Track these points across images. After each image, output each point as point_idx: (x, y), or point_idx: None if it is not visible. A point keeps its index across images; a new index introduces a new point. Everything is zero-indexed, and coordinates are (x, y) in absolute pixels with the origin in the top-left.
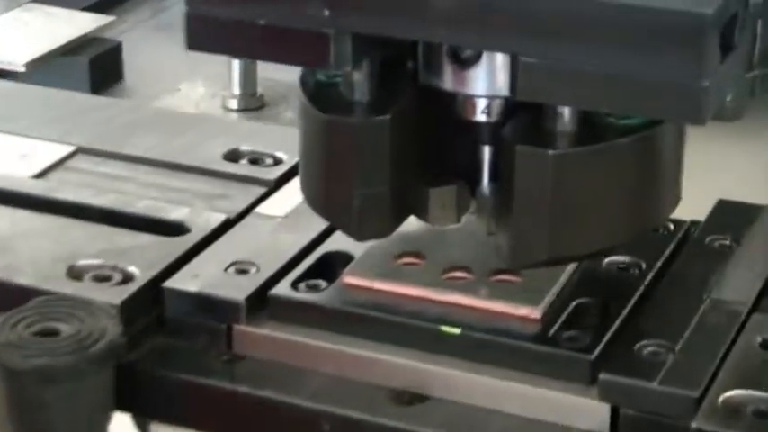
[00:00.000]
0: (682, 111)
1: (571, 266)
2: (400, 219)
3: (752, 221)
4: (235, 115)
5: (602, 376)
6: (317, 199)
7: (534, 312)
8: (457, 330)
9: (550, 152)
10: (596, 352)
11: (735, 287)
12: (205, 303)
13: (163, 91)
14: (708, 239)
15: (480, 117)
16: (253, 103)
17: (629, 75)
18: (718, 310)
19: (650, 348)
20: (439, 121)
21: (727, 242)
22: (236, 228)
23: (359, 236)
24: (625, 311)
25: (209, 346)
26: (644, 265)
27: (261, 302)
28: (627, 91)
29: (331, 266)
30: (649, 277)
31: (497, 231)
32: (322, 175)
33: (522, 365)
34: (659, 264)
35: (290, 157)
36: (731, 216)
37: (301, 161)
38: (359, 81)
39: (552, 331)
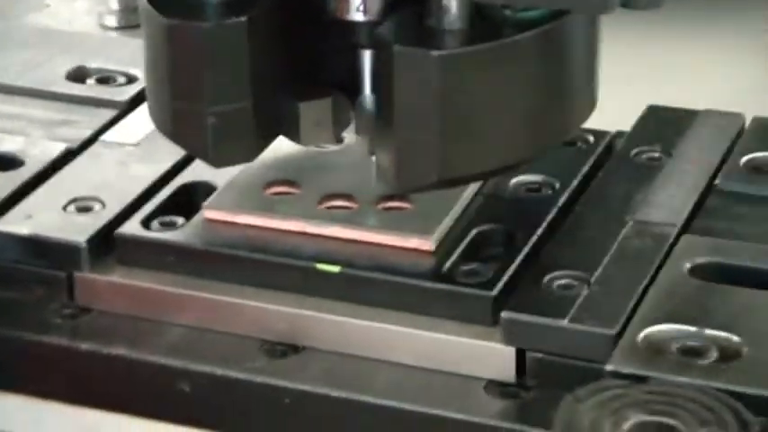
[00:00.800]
0: None
1: (471, 189)
2: (266, 141)
3: (684, 129)
4: (113, 34)
5: (505, 315)
6: (166, 120)
7: (426, 243)
8: (336, 268)
9: (434, 53)
10: (498, 287)
11: (662, 206)
12: (40, 248)
13: (29, 8)
14: (634, 152)
15: (356, 15)
16: (134, 20)
17: None
18: (642, 234)
19: (561, 281)
20: (308, 22)
21: (657, 154)
22: (79, 159)
23: (215, 161)
24: (533, 239)
25: (47, 298)
26: (557, 185)
27: (107, 245)
28: None
29: (190, 200)
30: (563, 199)
31: (380, 150)
32: (170, 92)
33: (413, 306)
34: (575, 183)
35: None
36: (662, 124)
37: (147, 77)
38: None
39: (448, 265)
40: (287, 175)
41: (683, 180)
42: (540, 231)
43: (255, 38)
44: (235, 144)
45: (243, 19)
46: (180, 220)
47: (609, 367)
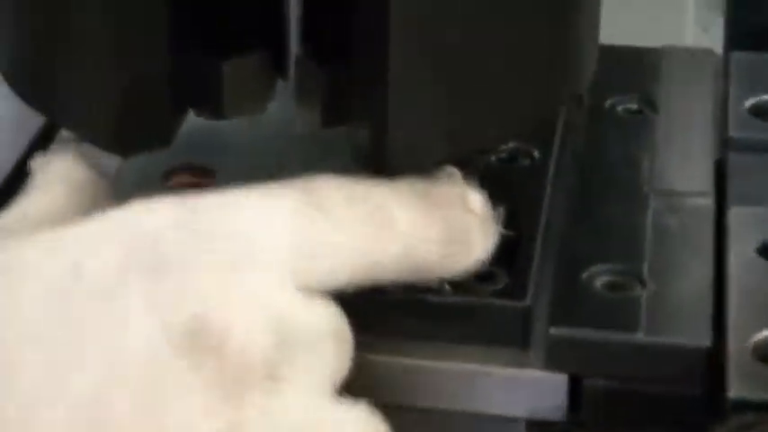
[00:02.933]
0: None
1: None
2: (180, 118)
3: (654, 71)
4: None
5: (555, 332)
6: (41, 89)
7: None
8: None
9: None
10: (530, 294)
11: (681, 170)
12: None
13: None
14: (608, 104)
15: None
16: None
17: None
18: (674, 209)
19: (604, 279)
20: None
21: (635, 105)
22: None
23: (124, 147)
24: (542, 224)
25: None
26: (536, 153)
27: None
28: None
29: None
30: (552, 169)
31: (354, 122)
32: (51, 50)
33: (413, 330)
34: (556, 148)
35: None
36: (623, 66)
37: (9, 37)
38: None
39: None
40: (195, 159)
41: (686, 136)
42: (545, 212)
43: None
44: (148, 122)
45: None
46: None
47: (732, 395)
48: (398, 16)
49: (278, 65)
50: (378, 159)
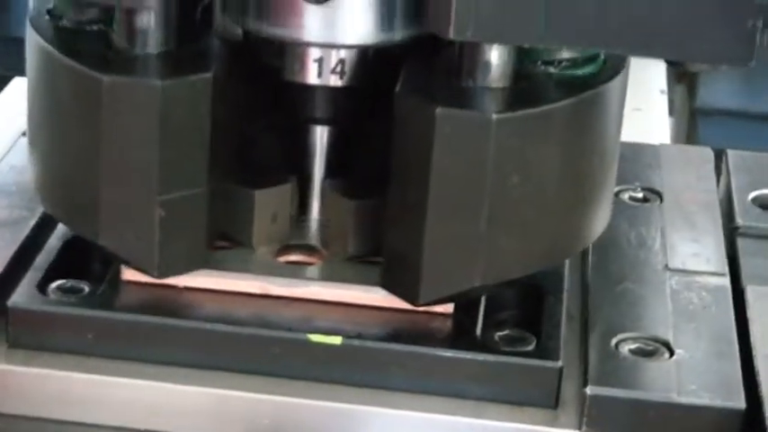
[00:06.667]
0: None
1: None
2: (211, 243)
3: (653, 165)
4: None
5: (591, 391)
6: (80, 213)
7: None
8: (336, 339)
9: (494, 116)
10: (561, 355)
11: (694, 253)
12: None
13: None
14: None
15: (328, 80)
16: None
17: None
18: (692, 286)
19: (632, 346)
20: (263, 87)
21: (640, 194)
22: None
23: (162, 268)
24: (564, 294)
25: None
26: None
27: None
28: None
29: (81, 259)
30: None
31: (383, 252)
32: (95, 173)
33: (446, 387)
34: None
35: None
36: (624, 160)
37: (46, 152)
38: (149, 23)
39: (478, 330)
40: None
41: (695, 222)
42: (565, 283)
43: (216, 102)
44: (184, 245)
45: (208, 75)
46: (84, 284)
47: None
48: (448, 159)
49: (303, 197)
50: (410, 289)
